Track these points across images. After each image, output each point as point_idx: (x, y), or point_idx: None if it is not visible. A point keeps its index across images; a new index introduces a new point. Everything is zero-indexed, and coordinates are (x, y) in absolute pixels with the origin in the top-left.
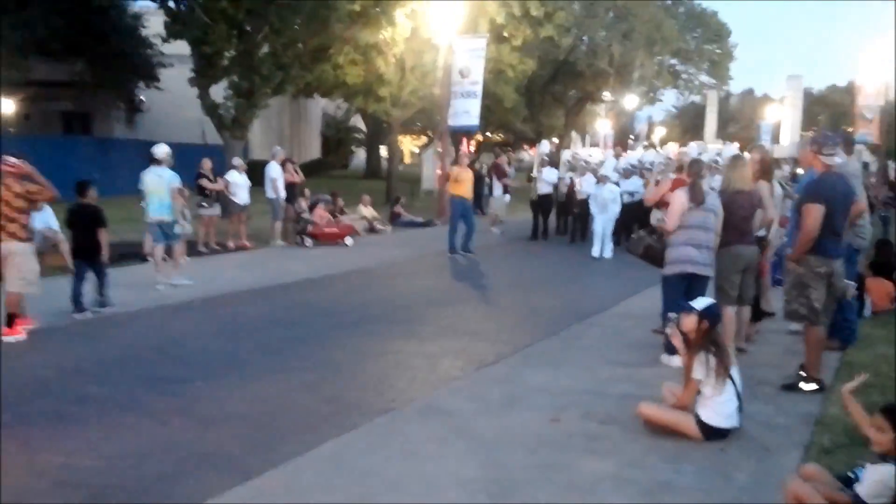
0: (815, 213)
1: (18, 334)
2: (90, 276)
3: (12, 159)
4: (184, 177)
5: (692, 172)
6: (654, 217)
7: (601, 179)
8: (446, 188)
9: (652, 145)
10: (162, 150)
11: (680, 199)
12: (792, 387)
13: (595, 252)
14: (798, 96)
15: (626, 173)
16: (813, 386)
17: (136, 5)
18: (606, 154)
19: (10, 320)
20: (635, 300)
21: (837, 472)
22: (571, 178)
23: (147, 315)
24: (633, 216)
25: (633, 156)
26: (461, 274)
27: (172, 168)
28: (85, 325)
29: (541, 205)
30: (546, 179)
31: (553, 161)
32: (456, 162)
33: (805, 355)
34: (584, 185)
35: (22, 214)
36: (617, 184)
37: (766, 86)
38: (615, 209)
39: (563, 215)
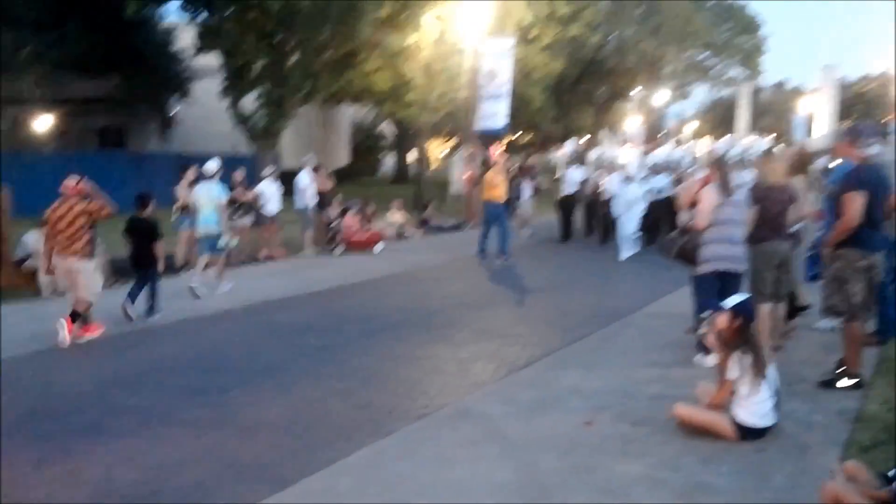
0: (857, 202)
1: (93, 332)
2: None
3: (74, 179)
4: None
5: (717, 167)
6: (684, 217)
7: (627, 178)
8: (476, 192)
9: (679, 142)
10: (213, 166)
11: (710, 196)
12: (829, 383)
13: (623, 255)
14: (833, 87)
15: (654, 170)
16: (850, 382)
17: (167, 20)
18: (632, 151)
19: (75, 318)
20: (666, 300)
21: (877, 470)
22: (598, 178)
23: (182, 325)
24: (661, 214)
25: (660, 153)
26: (492, 277)
27: (221, 181)
28: (121, 337)
29: (567, 205)
30: (572, 179)
31: (580, 160)
32: (488, 165)
33: (844, 351)
34: (610, 185)
35: (85, 232)
36: (645, 179)
37: (797, 77)
38: (639, 208)
39: (591, 215)
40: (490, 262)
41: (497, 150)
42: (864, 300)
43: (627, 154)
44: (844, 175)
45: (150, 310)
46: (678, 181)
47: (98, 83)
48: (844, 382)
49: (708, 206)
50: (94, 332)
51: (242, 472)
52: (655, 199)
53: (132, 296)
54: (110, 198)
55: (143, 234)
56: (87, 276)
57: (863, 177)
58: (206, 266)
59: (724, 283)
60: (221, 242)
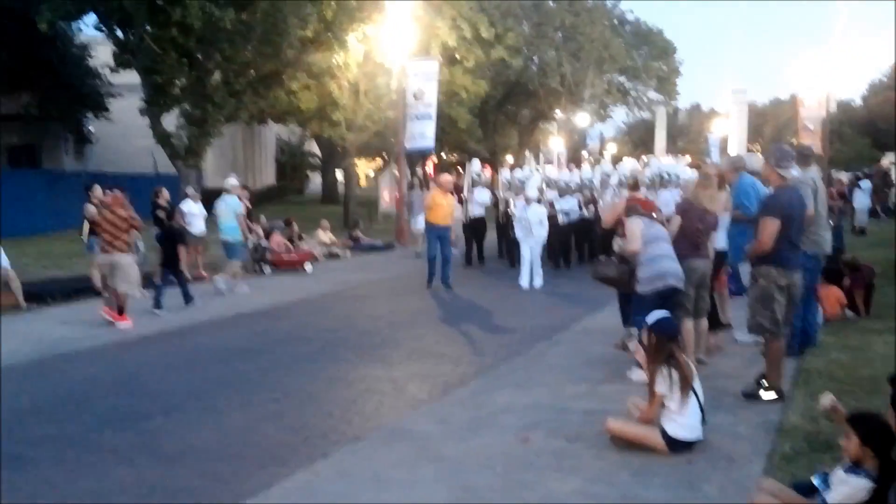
0: (770, 228)
1: (127, 322)
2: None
3: (116, 191)
4: (138, 208)
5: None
6: (616, 244)
7: (527, 200)
8: (406, 212)
9: (596, 161)
10: (231, 182)
11: (636, 223)
12: (752, 396)
13: (523, 282)
14: (743, 110)
15: (562, 192)
16: (773, 395)
17: (82, 35)
18: (536, 173)
19: (121, 311)
20: (588, 319)
21: (799, 479)
22: (507, 199)
23: (104, 350)
24: (570, 238)
25: (570, 174)
26: (422, 297)
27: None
28: (38, 363)
29: (473, 228)
30: (478, 201)
31: (487, 181)
32: (427, 186)
33: (766, 365)
34: (519, 207)
35: (124, 233)
36: (552, 203)
37: (712, 100)
38: (542, 233)
39: (503, 238)
40: (438, 291)
41: (425, 169)
42: (785, 317)
43: (532, 175)
44: (762, 200)
45: (157, 303)
46: (588, 202)
47: (8, 100)
48: (767, 395)
49: (637, 230)
50: (127, 322)
51: (171, 501)
52: (564, 222)
53: (185, 295)
54: (27, 218)
55: (172, 240)
56: (126, 268)
57: (779, 202)
58: (231, 271)
59: (664, 300)
60: (241, 248)
